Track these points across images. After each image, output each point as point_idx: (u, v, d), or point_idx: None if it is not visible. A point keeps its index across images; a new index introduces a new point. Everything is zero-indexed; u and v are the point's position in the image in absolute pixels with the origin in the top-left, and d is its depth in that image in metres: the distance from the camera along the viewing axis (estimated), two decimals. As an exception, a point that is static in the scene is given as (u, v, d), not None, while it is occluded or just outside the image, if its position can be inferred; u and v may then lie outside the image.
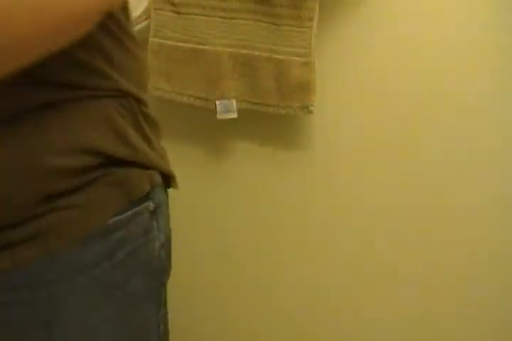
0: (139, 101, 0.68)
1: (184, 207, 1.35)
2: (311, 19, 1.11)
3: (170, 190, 0.75)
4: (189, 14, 1.17)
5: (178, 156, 1.34)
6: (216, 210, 1.34)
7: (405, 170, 1.20)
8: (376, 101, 1.19)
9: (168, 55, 1.20)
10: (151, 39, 1.20)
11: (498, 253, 1.18)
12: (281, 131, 1.26)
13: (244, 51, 1.16)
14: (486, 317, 1.21)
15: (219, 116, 1.18)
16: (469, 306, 1.22)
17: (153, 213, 0.68)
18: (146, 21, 1.21)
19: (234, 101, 1.18)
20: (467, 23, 1.12)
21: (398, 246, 1.23)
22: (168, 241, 0.72)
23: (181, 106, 1.23)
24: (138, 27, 1.21)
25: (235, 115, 1.18)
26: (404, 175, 1.20)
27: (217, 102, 1.18)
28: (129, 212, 0.64)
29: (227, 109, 1.18)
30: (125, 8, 0.68)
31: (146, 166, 0.67)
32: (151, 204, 0.67)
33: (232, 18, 1.15)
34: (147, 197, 0.67)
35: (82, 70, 0.61)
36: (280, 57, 1.14)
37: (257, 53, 1.15)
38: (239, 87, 1.18)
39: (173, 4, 1.18)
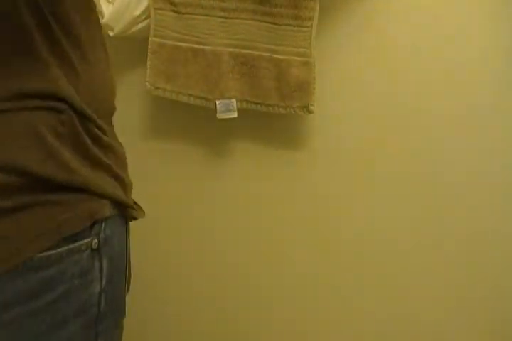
0: (86, 118, 0.59)
1: (183, 206, 1.35)
2: (310, 19, 1.11)
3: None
4: (189, 14, 1.17)
5: (178, 156, 1.34)
6: (216, 209, 1.34)
7: (405, 169, 1.20)
8: (376, 101, 1.19)
9: (168, 54, 1.20)
10: (151, 39, 1.20)
11: (497, 250, 1.18)
12: (281, 131, 1.26)
13: (244, 51, 1.16)
14: (486, 318, 1.22)
15: (219, 116, 1.18)
16: (469, 306, 1.22)
17: (97, 251, 0.59)
18: (146, 21, 1.21)
19: (234, 100, 1.18)
20: (467, 22, 1.12)
21: (399, 245, 1.23)
22: (110, 285, 0.62)
23: (181, 105, 1.23)
24: (138, 27, 1.21)
25: (235, 115, 1.18)
26: (404, 174, 1.20)
27: (217, 102, 1.18)
28: (62, 249, 0.55)
29: (227, 108, 1.18)
30: (80, 9, 0.59)
31: (89, 193, 0.58)
32: (94, 241, 0.58)
33: (232, 18, 1.15)
34: (90, 232, 0.58)
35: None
36: (280, 56, 1.14)
37: (257, 53, 1.15)
38: (239, 86, 1.18)
39: (173, 4, 1.18)
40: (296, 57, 1.13)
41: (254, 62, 1.16)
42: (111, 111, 0.66)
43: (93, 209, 0.58)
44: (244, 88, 1.18)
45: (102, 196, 0.60)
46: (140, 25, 1.21)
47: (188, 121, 1.31)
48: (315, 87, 1.14)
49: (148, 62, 1.21)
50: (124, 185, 0.66)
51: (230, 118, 1.19)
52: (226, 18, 1.16)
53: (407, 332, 1.27)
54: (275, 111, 1.18)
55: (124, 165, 0.67)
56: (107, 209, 0.60)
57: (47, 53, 0.56)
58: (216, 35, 1.17)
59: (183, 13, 1.18)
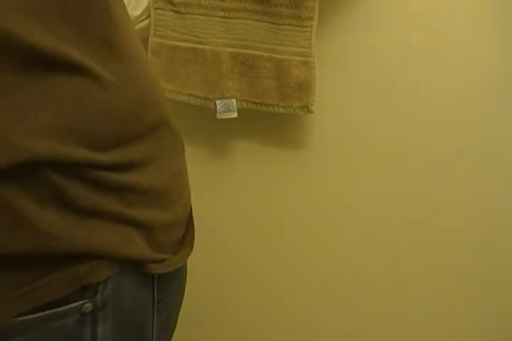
0: (76, 165, 0.49)
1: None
2: (311, 19, 1.11)
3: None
4: (189, 14, 1.18)
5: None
6: (215, 209, 1.34)
7: (405, 169, 1.20)
8: (376, 101, 1.19)
9: (168, 54, 1.20)
10: (151, 38, 1.20)
11: (496, 249, 1.18)
12: (281, 131, 1.26)
13: (244, 51, 1.16)
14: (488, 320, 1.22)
15: (219, 116, 1.18)
16: (470, 305, 1.22)
17: (90, 315, 0.51)
18: (146, 21, 1.21)
19: (234, 100, 1.18)
20: (467, 22, 1.12)
21: (397, 245, 1.23)
22: None
23: (181, 105, 1.23)
24: (138, 27, 1.21)
25: (235, 115, 1.18)
26: (403, 174, 1.20)
27: (217, 102, 1.18)
28: (42, 314, 0.48)
29: (227, 108, 1.18)
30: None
31: (76, 255, 0.49)
32: (85, 305, 0.50)
33: (232, 18, 1.15)
34: (80, 295, 0.50)
35: None
36: (280, 56, 1.14)
37: (257, 53, 1.15)
38: (239, 86, 1.18)
39: (173, 4, 1.18)
40: (296, 57, 1.13)
41: (254, 62, 1.16)
42: (141, 130, 0.55)
43: (81, 273, 0.50)
44: (244, 88, 1.18)
45: (96, 256, 0.50)
46: (140, 25, 1.21)
47: (188, 121, 1.31)
48: (315, 87, 1.14)
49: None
50: (148, 228, 0.56)
51: (230, 118, 1.19)
52: (226, 17, 1.16)
53: (412, 332, 1.27)
54: (275, 111, 1.17)
55: (159, 199, 0.58)
56: (104, 270, 0.51)
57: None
58: (216, 35, 1.17)
59: (183, 13, 1.18)
